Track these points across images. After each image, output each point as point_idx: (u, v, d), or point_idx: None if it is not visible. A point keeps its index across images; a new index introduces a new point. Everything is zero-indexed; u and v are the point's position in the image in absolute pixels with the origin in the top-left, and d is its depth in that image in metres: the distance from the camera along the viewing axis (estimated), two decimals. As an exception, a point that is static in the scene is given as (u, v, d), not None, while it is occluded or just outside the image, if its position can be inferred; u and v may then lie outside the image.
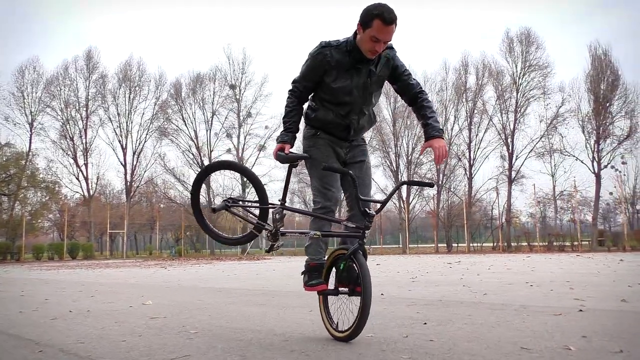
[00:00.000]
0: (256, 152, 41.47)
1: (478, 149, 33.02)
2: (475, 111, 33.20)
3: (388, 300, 5.01)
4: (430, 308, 4.38)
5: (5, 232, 33.07)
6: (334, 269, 3.11)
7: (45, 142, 37.61)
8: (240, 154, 41.06)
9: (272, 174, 41.20)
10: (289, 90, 3.21)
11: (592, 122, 28.01)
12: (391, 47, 3.13)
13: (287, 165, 3.20)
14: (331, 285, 3.11)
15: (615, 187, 27.71)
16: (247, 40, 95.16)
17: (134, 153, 39.55)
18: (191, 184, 3.84)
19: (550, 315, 3.74)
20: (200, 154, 40.20)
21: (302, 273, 3.23)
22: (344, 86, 3.04)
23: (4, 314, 4.75)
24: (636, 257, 14.92)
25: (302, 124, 3.29)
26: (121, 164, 39.54)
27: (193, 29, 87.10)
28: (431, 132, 3.04)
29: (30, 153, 36.36)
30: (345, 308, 3.09)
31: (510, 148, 31.71)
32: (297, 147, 3.19)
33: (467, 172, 33.20)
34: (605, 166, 27.59)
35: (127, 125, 39.32)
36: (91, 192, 38.82)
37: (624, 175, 29.77)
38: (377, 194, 32.27)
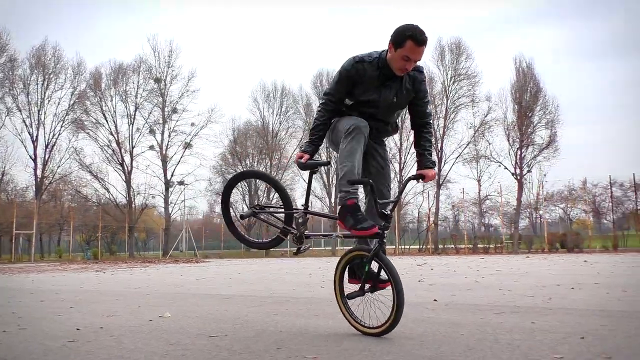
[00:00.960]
0: (181, 150, 39.61)
1: (408, 153, 33.66)
2: (406, 116, 33.75)
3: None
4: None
5: None
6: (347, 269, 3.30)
7: None
8: (164, 151, 39.03)
9: (196, 172, 39.75)
10: (322, 104, 3.31)
11: (516, 130, 29.52)
12: (421, 71, 3.30)
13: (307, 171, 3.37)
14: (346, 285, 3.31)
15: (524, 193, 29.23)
16: (175, 32, 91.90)
17: (46, 146, 36.27)
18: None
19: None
20: (120, 150, 37.70)
21: (341, 212, 3.13)
22: (371, 99, 3.21)
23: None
24: (578, 258, 15.60)
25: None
26: (31, 158, 36.06)
27: (115, 15, 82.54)
28: (426, 162, 3.33)
29: None
30: (366, 305, 3.24)
31: (439, 153, 32.63)
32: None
33: (398, 175, 33.73)
34: (528, 172, 29.20)
35: (39, 115, 35.98)
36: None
37: (529, 182, 31.56)
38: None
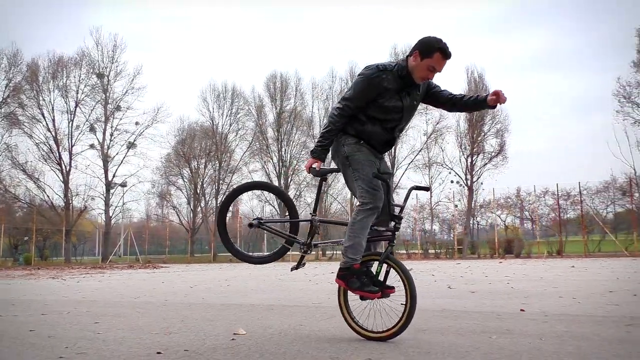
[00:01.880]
0: (124, 150, 37.66)
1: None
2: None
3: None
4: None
5: None
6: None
7: None
8: (105, 151, 36.96)
9: (140, 174, 37.88)
10: (339, 109, 3.30)
11: (468, 138, 30.28)
12: None
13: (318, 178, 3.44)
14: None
15: (459, 200, 30.07)
16: (120, 26, 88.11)
17: (-26, 142, 33.34)
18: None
19: None
20: (59, 148, 35.30)
21: (345, 274, 3.24)
22: (396, 106, 3.26)
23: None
24: (557, 263, 15.93)
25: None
26: (-44, 153, 33.04)
27: (56, 7, 77.80)
28: (483, 95, 3.36)
29: None
30: (370, 309, 3.37)
31: (392, 159, 32.91)
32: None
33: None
34: (477, 179, 30.01)
35: (-34, 108, 33.05)
36: None
37: (483, 189, 32.52)
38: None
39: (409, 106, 3.31)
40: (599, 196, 27.63)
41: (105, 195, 37.09)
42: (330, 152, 3.40)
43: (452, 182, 30.47)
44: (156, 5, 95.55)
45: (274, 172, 37.58)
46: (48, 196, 36.23)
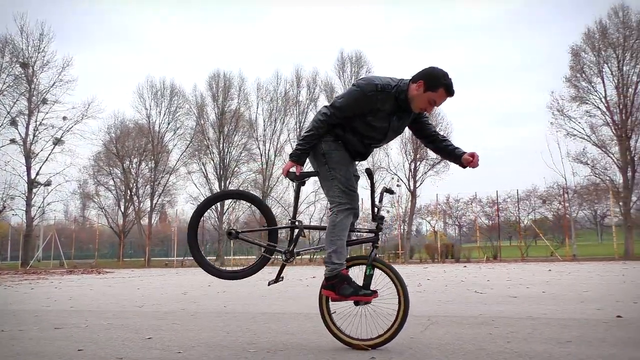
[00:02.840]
0: (50, 146, 34.97)
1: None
2: (307, 123, 33.68)
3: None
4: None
5: None
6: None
7: None
8: (28, 147, 34.15)
9: (66, 172, 35.32)
10: (324, 114, 3.17)
11: (411, 144, 30.77)
12: None
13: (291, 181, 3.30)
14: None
15: (392, 206, 30.51)
16: (48, 15, 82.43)
17: None
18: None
19: None
20: (-26, 142, 32.16)
21: (334, 283, 3.09)
22: (382, 127, 3.18)
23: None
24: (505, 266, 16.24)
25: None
26: None
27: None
28: (461, 150, 3.34)
29: None
30: (354, 315, 3.22)
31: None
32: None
33: (295, 185, 33.20)
34: (420, 185, 30.62)
35: None
36: None
37: (399, 196, 33.09)
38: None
39: (395, 130, 3.26)
40: (521, 204, 28.85)
41: (26, 194, 34.23)
42: None
43: (398, 186, 30.73)
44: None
45: (214, 174, 36.38)
46: (-40, 194, 32.91)
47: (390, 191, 3.54)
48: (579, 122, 27.80)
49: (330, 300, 3.21)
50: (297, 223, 3.33)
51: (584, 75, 27.89)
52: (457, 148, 3.36)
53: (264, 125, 34.81)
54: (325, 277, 3.13)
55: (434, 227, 31.41)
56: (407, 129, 3.48)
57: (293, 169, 3.21)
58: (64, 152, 35.27)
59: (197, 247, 3.32)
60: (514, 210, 28.36)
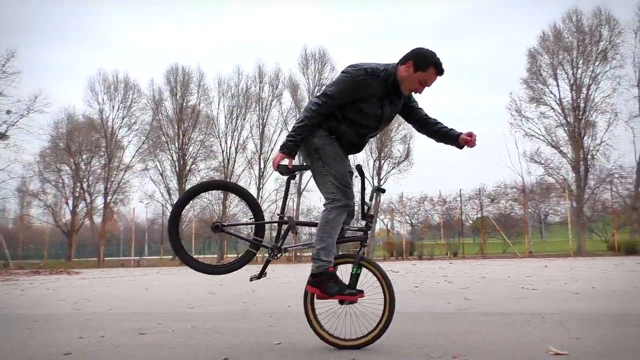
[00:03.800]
0: (-7, 142, 32.80)
1: (271, 157, 32.92)
2: (270, 120, 33.32)
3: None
4: None
5: None
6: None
7: None
8: (-32, 141, 31.92)
9: (10, 168, 33.26)
10: (316, 104, 3.06)
11: (376, 142, 30.98)
12: None
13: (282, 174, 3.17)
14: None
15: None
16: None
17: None
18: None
19: None
20: None
21: (320, 280, 3.01)
22: (375, 113, 3.11)
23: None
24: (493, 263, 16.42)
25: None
26: None
27: None
28: (456, 131, 3.32)
29: None
30: (337, 315, 3.13)
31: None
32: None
33: (257, 181, 32.82)
34: (384, 183, 30.82)
35: None
36: None
37: (358, 192, 33.19)
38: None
39: (388, 116, 3.18)
40: (470, 202, 29.54)
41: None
42: None
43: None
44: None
45: (171, 170, 35.28)
46: None
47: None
48: (536, 123, 28.85)
49: (315, 297, 3.13)
50: (286, 218, 3.20)
51: (540, 77, 28.94)
52: (451, 129, 3.32)
53: (225, 121, 34.05)
54: (311, 274, 3.03)
55: (387, 225, 31.75)
56: (405, 121, 3.48)
57: (284, 162, 3.07)
58: (8, 148, 33.23)
59: (178, 240, 3.17)
60: (463, 208, 28.98)
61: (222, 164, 34.01)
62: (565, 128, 28.23)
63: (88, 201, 35.83)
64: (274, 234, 3.35)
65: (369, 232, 3.14)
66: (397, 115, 3.37)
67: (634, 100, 27.71)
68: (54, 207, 38.70)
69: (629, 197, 27.76)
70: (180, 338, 3.69)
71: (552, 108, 28.63)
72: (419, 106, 3.38)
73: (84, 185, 35.62)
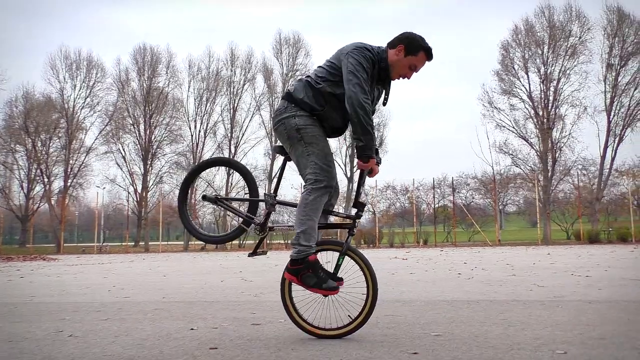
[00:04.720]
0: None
1: (242, 142, 32.35)
2: (242, 104, 32.63)
3: None
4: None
5: None
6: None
7: None
8: None
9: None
10: (366, 108, 2.77)
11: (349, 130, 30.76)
12: None
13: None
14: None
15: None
16: None
17: None
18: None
19: None
20: None
21: (298, 268, 2.83)
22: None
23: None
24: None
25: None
26: None
27: None
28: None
29: None
30: (315, 304, 3.03)
31: (273, 144, 32.15)
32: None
33: (226, 168, 32.07)
34: (356, 170, 30.69)
35: None
36: None
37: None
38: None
39: (375, 102, 3.08)
40: (431, 192, 29.92)
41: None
42: (275, 126, 3.02)
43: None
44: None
45: (137, 154, 34.04)
46: None
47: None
48: (507, 115, 29.42)
49: (292, 285, 2.99)
50: (268, 198, 3.12)
51: (513, 70, 29.50)
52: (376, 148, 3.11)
53: (196, 104, 33.09)
54: (291, 259, 2.86)
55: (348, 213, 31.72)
56: None
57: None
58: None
59: (186, 213, 3.33)
60: (425, 197, 29.33)
61: (190, 147, 33.09)
62: (535, 120, 28.91)
63: (46, 184, 34.14)
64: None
65: (358, 220, 3.00)
66: None
67: (600, 95, 28.73)
68: (5, 189, 36.76)
69: (589, 189, 28.79)
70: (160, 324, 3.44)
71: (523, 100, 29.25)
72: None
73: (42, 168, 33.91)
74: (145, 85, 33.89)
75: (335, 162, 3.06)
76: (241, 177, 3.28)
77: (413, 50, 2.90)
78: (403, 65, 2.93)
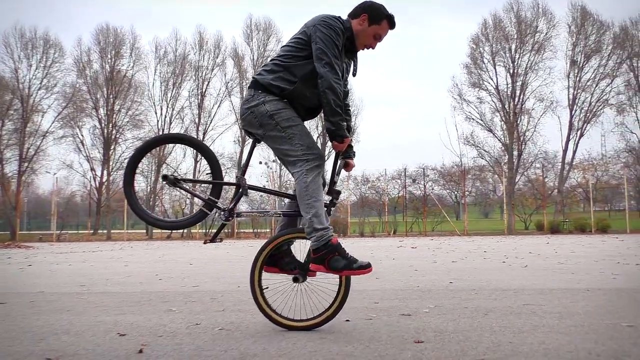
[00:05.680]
0: None
1: (210, 128, 31.60)
2: (211, 90, 31.85)
3: None
4: None
5: None
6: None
7: None
8: None
9: None
10: (336, 85, 2.68)
11: (320, 118, 30.59)
12: None
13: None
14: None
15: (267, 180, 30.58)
16: None
17: None
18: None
19: None
20: None
21: (323, 255, 2.66)
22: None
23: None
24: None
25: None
26: None
27: None
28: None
29: None
30: (285, 294, 2.95)
31: (242, 133, 31.57)
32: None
33: (194, 154, 31.25)
34: (327, 159, 30.58)
35: None
36: None
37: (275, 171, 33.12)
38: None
39: (346, 75, 2.96)
40: (393, 182, 30.30)
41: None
42: (243, 115, 2.84)
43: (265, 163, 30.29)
44: None
45: (98, 138, 32.68)
46: None
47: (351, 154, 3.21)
48: (476, 107, 30.01)
49: (262, 275, 2.87)
50: (242, 181, 2.90)
51: (483, 63, 30.09)
52: (347, 125, 3.01)
53: (162, 88, 32.00)
54: (313, 250, 2.69)
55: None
56: None
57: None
58: None
59: (134, 196, 2.97)
60: (384, 186, 29.64)
61: (156, 133, 32.03)
62: (501, 113, 29.63)
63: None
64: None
65: (333, 208, 2.86)
66: None
67: (565, 91, 29.77)
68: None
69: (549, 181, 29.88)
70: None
71: (491, 93, 29.90)
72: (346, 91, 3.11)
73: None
74: (107, 67, 32.49)
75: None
76: (202, 156, 3.04)
77: (377, 18, 2.86)
78: (368, 34, 2.88)
